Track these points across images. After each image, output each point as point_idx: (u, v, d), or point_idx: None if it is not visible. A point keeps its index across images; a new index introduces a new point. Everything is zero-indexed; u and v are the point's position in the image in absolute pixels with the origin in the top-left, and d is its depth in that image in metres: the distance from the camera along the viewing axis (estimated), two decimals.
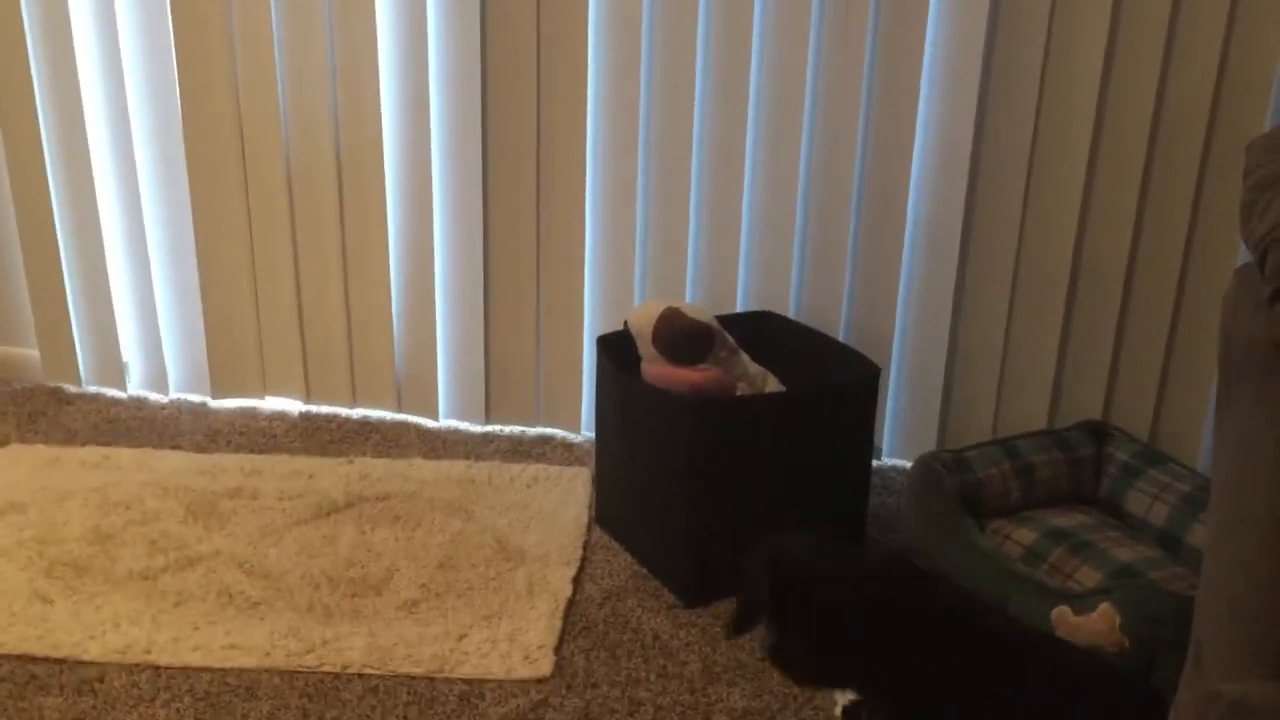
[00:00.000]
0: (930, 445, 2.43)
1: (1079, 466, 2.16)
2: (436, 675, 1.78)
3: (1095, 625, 1.65)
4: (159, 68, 2.47)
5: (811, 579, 1.46)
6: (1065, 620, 1.70)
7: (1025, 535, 2.00)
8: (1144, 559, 1.89)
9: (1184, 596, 1.67)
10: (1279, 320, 1.01)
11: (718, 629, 1.92)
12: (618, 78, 2.33)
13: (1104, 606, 1.67)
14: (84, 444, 2.47)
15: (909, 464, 2.39)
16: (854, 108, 2.26)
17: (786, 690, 1.77)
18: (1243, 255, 2.16)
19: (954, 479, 2.03)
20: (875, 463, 2.46)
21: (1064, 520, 2.04)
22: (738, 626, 1.55)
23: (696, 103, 2.32)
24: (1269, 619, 0.98)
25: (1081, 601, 1.72)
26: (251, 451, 2.46)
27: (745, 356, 2.16)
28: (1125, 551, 1.91)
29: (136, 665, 1.78)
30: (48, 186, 2.56)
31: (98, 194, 2.56)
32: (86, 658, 1.79)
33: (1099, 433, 2.20)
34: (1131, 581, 1.80)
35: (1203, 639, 1.07)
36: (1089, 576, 1.87)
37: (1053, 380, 2.35)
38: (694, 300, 2.45)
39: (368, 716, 1.69)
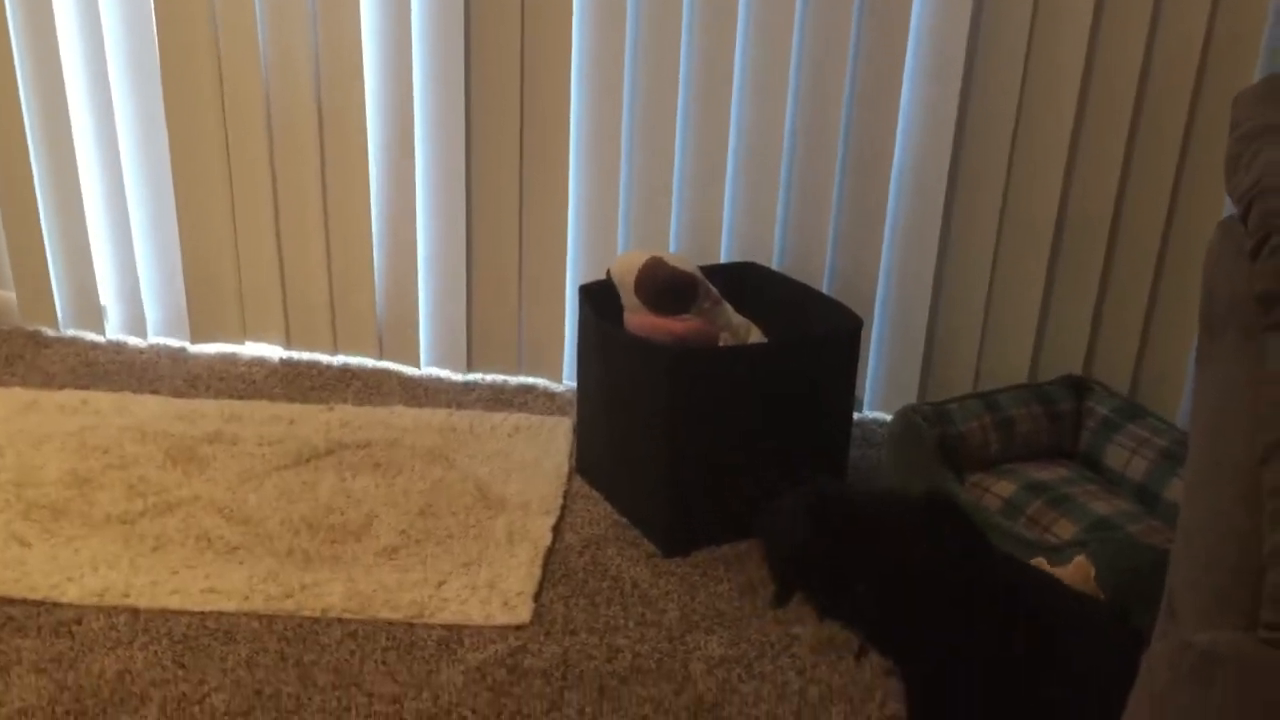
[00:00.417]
0: (911, 398, 2.44)
1: (1059, 420, 2.16)
2: (415, 621, 1.78)
3: (1071, 577, 1.67)
4: (136, 9, 2.42)
5: (862, 519, 1.35)
6: None
7: (1004, 488, 2.02)
8: (1121, 512, 1.91)
9: (1159, 549, 1.68)
10: (1262, 274, 1.01)
11: (696, 578, 1.93)
12: (603, 26, 2.30)
13: (1079, 558, 1.69)
14: (61, 387, 2.45)
15: (890, 416, 2.39)
16: (840, 57, 2.24)
17: (764, 638, 1.79)
18: (1227, 209, 2.16)
19: (934, 431, 2.04)
20: (856, 415, 2.47)
21: (1043, 473, 2.05)
22: (780, 595, 1.45)
23: (682, 53, 2.29)
24: (1242, 569, 0.99)
25: (1058, 554, 1.73)
26: (231, 397, 2.45)
27: (728, 307, 2.15)
28: (1102, 505, 1.93)
29: (114, 608, 1.78)
30: (23, 128, 2.52)
31: (74, 135, 2.53)
32: (64, 600, 1.79)
33: (1079, 387, 2.21)
34: (1108, 534, 1.82)
35: (1176, 589, 1.07)
36: (1066, 529, 1.89)
37: (1035, 334, 2.35)
38: (677, 250, 2.44)
39: (346, 660, 1.70)
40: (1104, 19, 2.13)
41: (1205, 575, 1.02)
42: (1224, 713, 0.89)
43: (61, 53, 2.46)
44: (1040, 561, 1.72)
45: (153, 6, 2.40)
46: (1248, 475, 0.98)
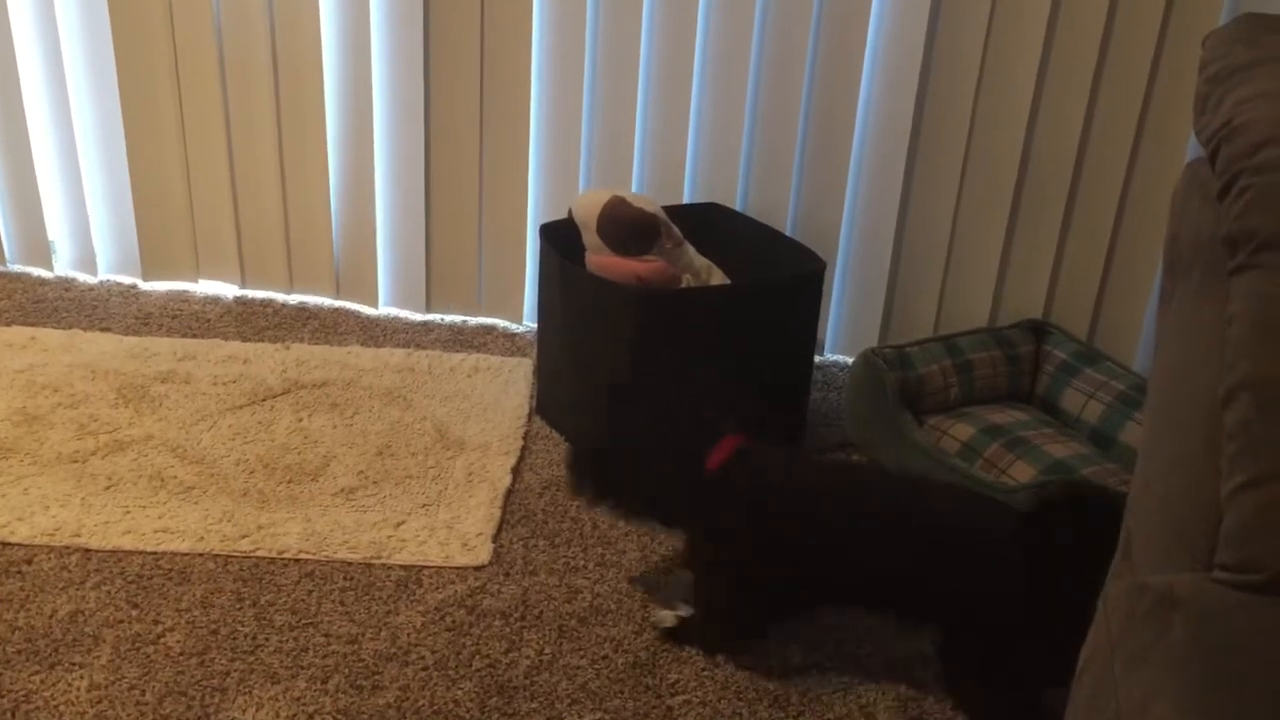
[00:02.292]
0: (872, 341, 2.44)
1: (1018, 364, 2.17)
2: (374, 561, 1.77)
3: None
4: None
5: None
6: None
7: (962, 431, 2.03)
8: (1076, 455, 1.92)
9: (1114, 492, 1.70)
10: (1228, 215, 1.00)
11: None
12: None
13: None
14: (9, 324, 2.40)
15: (850, 359, 2.39)
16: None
17: None
18: (1189, 156, 2.16)
19: (895, 374, 2.04)
20: (817, 357, 2.47)
21: (1000, 417, 2.06)
22: (575, 487, 1.73)
23: None
24: (1198, 511, 0.99)
25: (1014, 496, 1.74)
26: (184, 335, 2.41)
27: (691, 248, 2.13)
28: (1058, 448, 1.94)
29: (66, 548, 1.75)
30: None
31: (19, 64, 2.45)
32: (14, 540, 1.76)
33: (1038, 331, 2.22)
34: (1064, 477, 1.83)
35: (1134, 531, 1.08)
36: (1023, 472, 1.90)
37: (996, 278, 2.36)
38: (640, 190, 2.41)
39: (304, 601, 1.68)
40: None
41: (1163, 517, 1.03)
42: (1180, 654, 0.90)
43: None
44: None
45: None
46: (1208, 417, 0.98)
